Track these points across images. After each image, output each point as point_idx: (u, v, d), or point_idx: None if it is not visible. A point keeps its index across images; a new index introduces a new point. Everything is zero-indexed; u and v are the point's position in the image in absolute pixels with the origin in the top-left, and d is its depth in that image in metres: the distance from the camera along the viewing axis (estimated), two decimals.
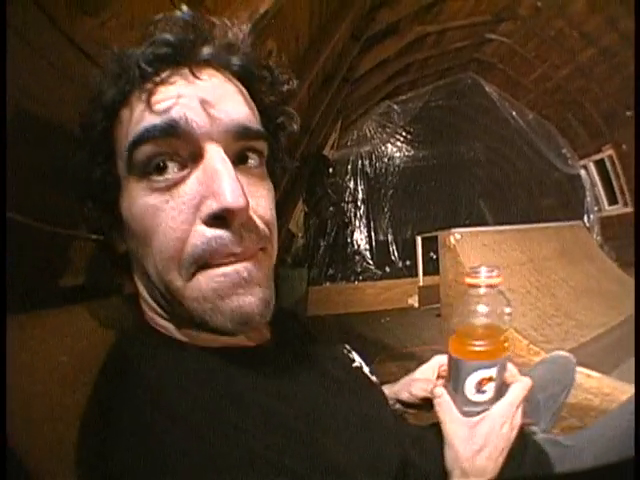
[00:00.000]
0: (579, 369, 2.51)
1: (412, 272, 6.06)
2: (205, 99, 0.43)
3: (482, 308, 0.55)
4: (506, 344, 0.56)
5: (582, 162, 6.23)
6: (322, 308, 5.09)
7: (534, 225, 5.25)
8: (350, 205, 7.11)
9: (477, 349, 0.55)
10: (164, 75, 0.43)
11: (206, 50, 0.45)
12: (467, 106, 6.73)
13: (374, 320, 4.69)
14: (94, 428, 0.41)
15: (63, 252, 0.74)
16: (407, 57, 5.05)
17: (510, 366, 0.59)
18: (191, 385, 0.41)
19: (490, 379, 0.55)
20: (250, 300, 0.43)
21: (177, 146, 0.42)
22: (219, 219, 0.41)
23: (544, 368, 1.09)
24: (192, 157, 0.43)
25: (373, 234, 7.15)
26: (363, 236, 7.10)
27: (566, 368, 1.09)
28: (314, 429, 0.44)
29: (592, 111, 5.45)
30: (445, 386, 0.60)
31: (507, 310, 0.56)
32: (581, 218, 6.03)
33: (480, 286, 0.56)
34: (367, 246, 7.05)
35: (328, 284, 6.07)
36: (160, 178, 0.42)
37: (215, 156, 0.42)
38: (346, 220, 6.96)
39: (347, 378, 0.58)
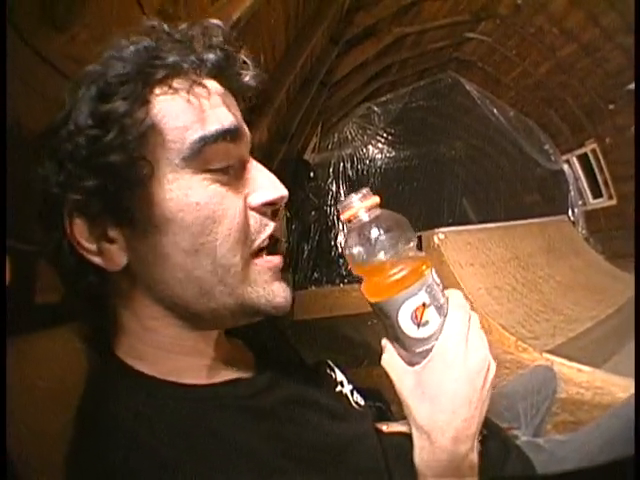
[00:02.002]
0: (570, 364, 2.54)
1: None
2: (233, 106, 0.49)
3: (374, 233, 0.47)
4: (424, 266, 0.47)
5: (565, 157, 6.31)
6: (308, 312, 5.03)
7: (518, 222, 5.25)
8: (333, 208, 6.98)
9: (391, 280, 0.46)
10: (199, 78, 0.47)
11: (212, 57, 0.48)
12: (448, 106, 6.75)
13: (361, 323, 4.47)
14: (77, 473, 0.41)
15: (31, 270, 0.71)
16: (386, 59, 5.04)
17: (454, 291, 0.50)
18: (172, 428, 0.41)
19: (424, 305, 0.46)
20: (287, 287, 0.49)
21: (239, 149, 0.48)
22: (266, 207, 0.48)
23: (524, 379, 1.12)
24: (239, 157, 0.49)
25: None
26: None
27: (545, 378, 1.11)
28: (297, 465, 0.43)
29: (574, 106, 5.53)
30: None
31: (402, 225, 0.48)
32: (566, 213, 6.08)
33: (358, 216, 0.48)
34: None
35: (313, 288, 5.94)
36: (220, 172, 0.45)
37: (250, 156, 0.50)
38: (329, 223, 6.87)
39: (328, 403, 0.55)
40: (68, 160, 0.42)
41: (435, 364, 0.46)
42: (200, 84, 0.46)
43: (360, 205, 0.48)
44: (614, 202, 5.71)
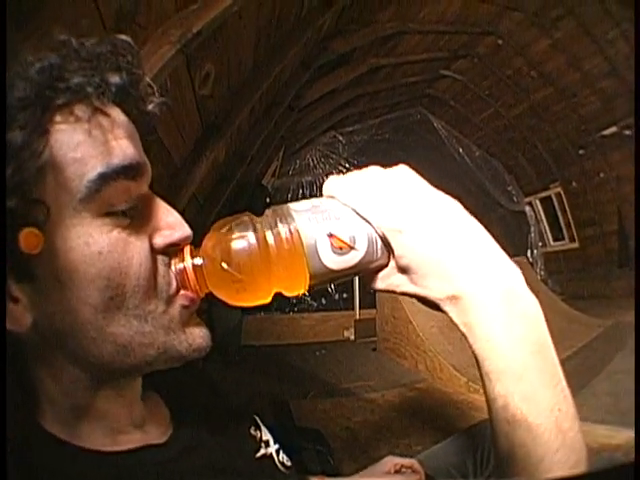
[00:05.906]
0: None
1: (349, 305, 6.05)
2: (136, 138, 0.44)
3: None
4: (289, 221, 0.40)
5: (528, 199, 6.53)
6: (256, 338, 5.09)
7: None
8: None
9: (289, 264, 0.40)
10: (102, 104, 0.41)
11: (118, 80, 0.43)
12: (414, 141, 6.85)
13: (309, 352, 4.66)
14: None
15: None
16: (358, 89, 4.99)
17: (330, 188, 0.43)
18: None
19: (332, 235, 0.39)
20: (203, 326, 0.46)
21: (140, 187, 0.43)
22: (171, 248, 0.44)
23: (472, 432, 1.08)
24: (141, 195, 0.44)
25: None
26: None
27: None
28: None
29: (542, 150, 5.72)
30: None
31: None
32: (524, 254, 6.22)
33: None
34: None
35: (263, 314, 5.79)
36: (122, 214, 0.41)
37: (151, 193, 0.45)
38: None
39: (250, 469, 0.53)
40: None
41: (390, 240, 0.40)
42: (103, 112, 0.41)
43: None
44: (576, 245, 5.92)
